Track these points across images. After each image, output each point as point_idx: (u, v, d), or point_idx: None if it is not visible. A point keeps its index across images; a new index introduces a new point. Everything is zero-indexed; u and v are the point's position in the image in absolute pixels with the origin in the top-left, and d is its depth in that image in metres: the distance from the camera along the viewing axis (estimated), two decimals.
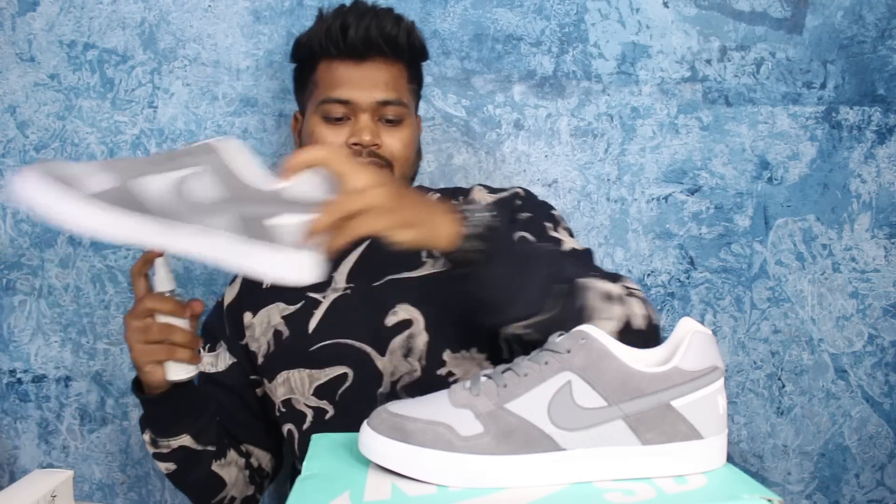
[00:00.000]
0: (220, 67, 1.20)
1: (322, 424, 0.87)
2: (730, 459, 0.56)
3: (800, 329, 1.21)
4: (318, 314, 0.89)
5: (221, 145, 0.60)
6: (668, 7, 1.19)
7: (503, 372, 0.55)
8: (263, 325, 0.92)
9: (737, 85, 1.20)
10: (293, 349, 0.89)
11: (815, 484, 1.23)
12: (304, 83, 0.97)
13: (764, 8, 1.20)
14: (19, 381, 1.21)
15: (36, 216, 0.61)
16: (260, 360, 0.92)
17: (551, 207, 0.97)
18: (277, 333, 0.91)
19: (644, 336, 0.71)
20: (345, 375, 0.86)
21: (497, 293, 0.67)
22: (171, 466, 0.85)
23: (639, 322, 0.71)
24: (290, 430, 0.91)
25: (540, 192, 1.20)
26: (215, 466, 0.86)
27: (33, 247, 1.20)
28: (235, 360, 0.94)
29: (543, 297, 0.67)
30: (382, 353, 0.85)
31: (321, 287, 0.91)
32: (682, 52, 1.20)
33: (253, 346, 0.93)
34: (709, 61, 1.20)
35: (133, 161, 0.60)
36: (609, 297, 0.70)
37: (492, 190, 0.99)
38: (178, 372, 0.77)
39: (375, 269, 0.90)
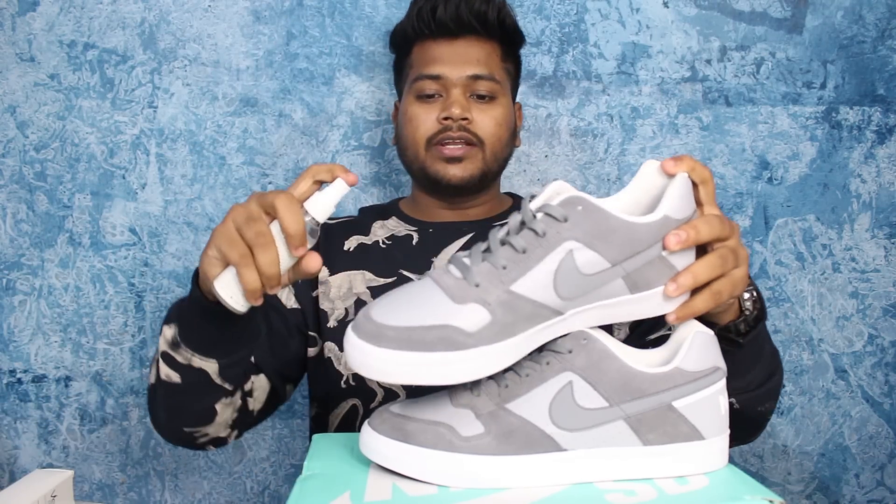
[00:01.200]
0: (220, 67, 1.20)
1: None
2: (730, 459, 0.56)
3: (800, 329, 1.21)
4: None
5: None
6: (668, 7, 1.19)
7: (504, 372, 0.55)
8: (343, 290, 0.88)
9: (737, 85, 1.20)
10: None
11: (815, 484, 1.23)
12: (402, 68, 0.98)
13: (764, 8, 1.20)
14: (19, 381, 1.20)
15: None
16: (332, 323, 0.87)
17: None
18: (361, 303, 0.87)
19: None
20: None
21: (736, 366, 0.65)
22: (175, 378, 0.71)
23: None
24: (354, 406, 0.86)
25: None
26: (219, 403, 0.75)
27: (33, 247, 1.20)
28: (299, 306, 0.89)
29: (766, 372, 0.70)
30: None
31: (418, 268, 0.89)
32: (682, 52, 1.20)
33: (325, 305, 0.88)
34: (709, 61, 1.20)
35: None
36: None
37: None
38: (228, 288, 0.60)
39: None
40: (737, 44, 1.20)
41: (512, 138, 0.96)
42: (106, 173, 1.20)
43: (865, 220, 1.21)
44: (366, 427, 0.55)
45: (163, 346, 0.71)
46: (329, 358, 0.88)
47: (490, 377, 0.55)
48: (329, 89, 1.20)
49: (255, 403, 0.82)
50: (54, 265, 1.20)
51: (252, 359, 0.78)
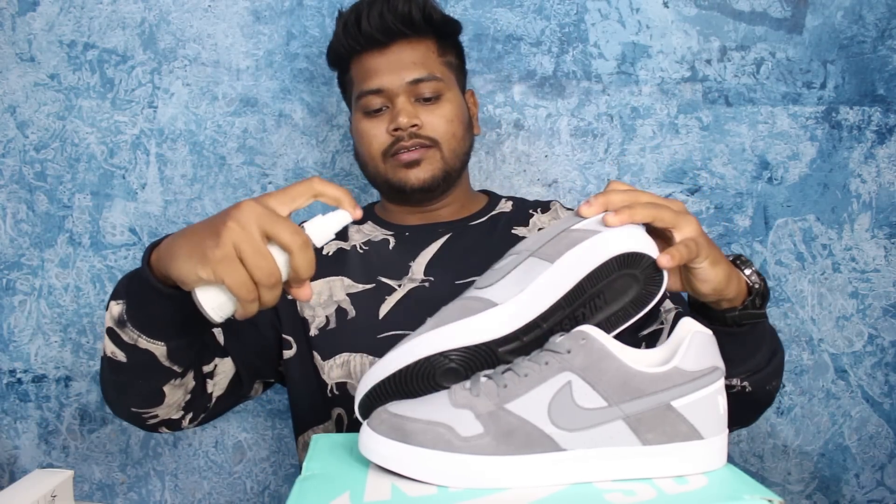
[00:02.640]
0: (220, 67, 1.20)
1: None
2: (730, 459, 0.56)
3: (800, 329, 1.21)
4: (392, 301, 0.86)
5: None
6: (668, 7, 1.19)
7: (503, 372, 0.55)
8: (324, 297, 0.88)
9: (737, 85, 1.20)
10: (359, 333, 0.84)
11: (815, 484, 1.23)
12: (345, 86, 0.97)
13: (764, 8, 1.20)
14: (19, 381, 1.20)
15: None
16: (313, 331, 0.87)
17: None
18: (342, 311, 0.87)
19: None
20: None
21: (745, 349, 0.68)
22: (120, 356, 0.68)
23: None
24: (339, 415, 0.86)
25: (540, 193, 1.20)
26: (166, 386, 0.72)
27: (33, 247, 1.20)
28: (274, 307, 0.87)
29: (770, 350, 0.71)
30: None
31: (396, 273, 0.89)
32: (682, 52, 1.20)
33: (306, 313, 0.88)
34: (709, 61, 1.20)
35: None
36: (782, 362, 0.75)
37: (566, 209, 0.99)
38: (212, 304, 0.56)
39: (459, 265, 0.88)
40: (737, 44, 1.20)
41: (468, 130, 0.95)
42: (106, 173, 1.20)
43: (865, 220, 1.21)
44: (365, 427, 0.55)
45: (108, 322, 0.68)
46: (315, 366, 0.87)
47: (489, 377, 0.55)
48: (329, 89, 1.20)
49: (216, 388, 0.81)
50: (54, 265, 1.20)
51: (220, 339, 0.77)
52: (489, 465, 0.51)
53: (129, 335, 0.67)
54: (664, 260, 0.58)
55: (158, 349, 0.67)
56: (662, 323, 0.85)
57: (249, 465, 1.23)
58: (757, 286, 0.67)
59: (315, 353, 0.87)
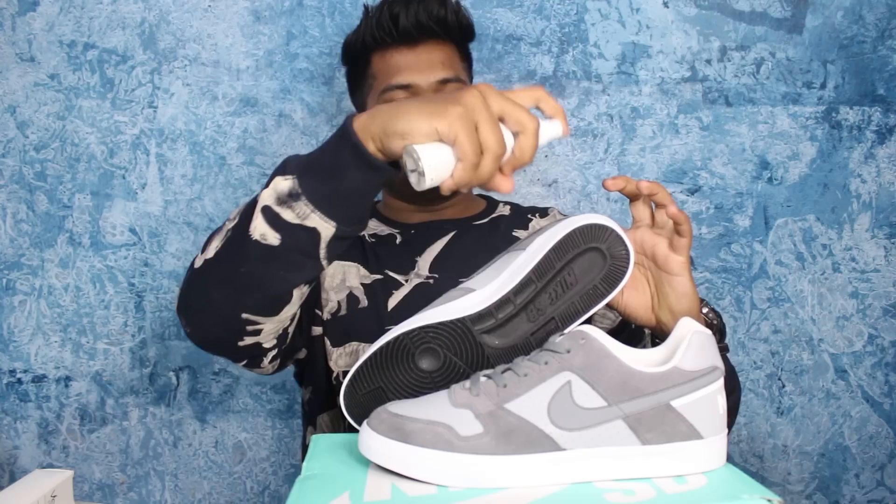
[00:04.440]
0: (220, 67, 1.20)
1: None
2: (729, 459, 0.56)
3: (800, 329, 1.21)
4: (399, 295, 0.87)
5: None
6: (668, 7, 1.19)
7: (503, 372, 0.55)
8: (337, 280, 0.89)
9: (737, 85, 1.20)
10: (369, 323, 0.85)
11: (815, 484, 1.23)
12: (361, 80, 0.97)
13: (764, 8, 1.20)
14: (19, 381, 1.21)
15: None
16: (326, 315, 0.87)
17: None
18: (353, 298, 0.88)
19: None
20: None
21: None
22: (271, 238, 0.62)
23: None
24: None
25: (540, 192, 1.20)
26: (297, 289, 0.67)
27: (33, 247, 1.20)
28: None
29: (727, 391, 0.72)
30: None
31: (402, 268, 0.90)
32: (682, 52, 1.20)
33: (321, 296, 0.88)
34: (709, 61, 1.20)
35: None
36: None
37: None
38: (436, 169, 0.57)
39: (463, 263, 0.89)
40: (737, 44, 1.20)
41: None
42: (106, 173, 1.20)
43: (865, 220, 1.21)
44: (364, 427, 0.55)
45: (267, 200, 0.62)
46: (325, 350, 0.88)
47: (489, 377, 0.55)
48: (329, 89, 1.20)
49: (289, 338, 0.78)
50: (54, 265, 1.20)
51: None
52: (489, 464, 0.51)
53: (299, 210, 0.61)
54: (612, 183, 0.62)
55: (327, 230, 0.62)
56: (648, 334, 0.85)
57: (249, 465, 1.23)
58: (714, 322, 0.68)
59: (326, 339, 0.87)
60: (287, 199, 0.61)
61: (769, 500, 0.47)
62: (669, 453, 0.53)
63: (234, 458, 1.23)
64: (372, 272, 0.90)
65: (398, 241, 0.94)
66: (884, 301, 1.21)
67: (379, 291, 0.88)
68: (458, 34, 0.95)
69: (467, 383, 0.55)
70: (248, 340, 0.70)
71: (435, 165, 0.57)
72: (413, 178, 0.58)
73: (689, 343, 0.54)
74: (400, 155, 0.59)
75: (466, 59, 0.99)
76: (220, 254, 0.65)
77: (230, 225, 0.66)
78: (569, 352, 0.53)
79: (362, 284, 0.89)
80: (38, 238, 1.20)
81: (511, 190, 0.61)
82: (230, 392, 1.21)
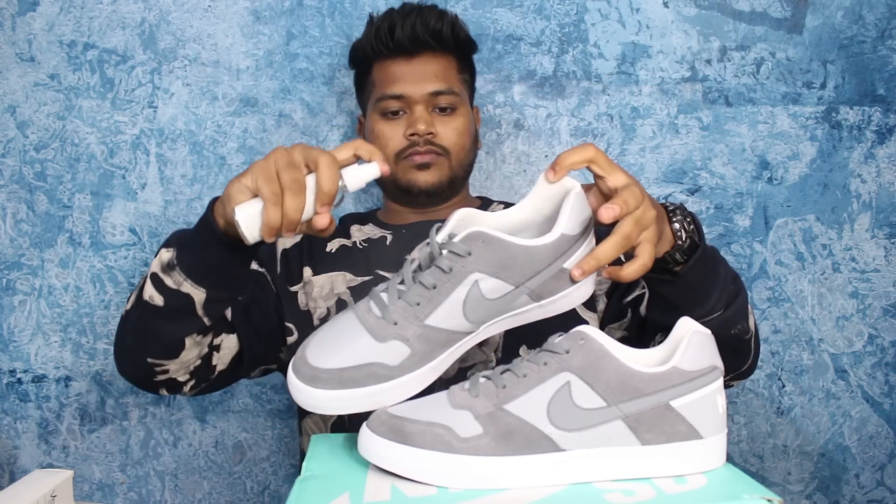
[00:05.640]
0: (220, 67, 1.20)
1: None
2: (730, 459, 0.56)
3: (800, 329, 1.21)
4: None
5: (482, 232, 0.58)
6: (668, 7, 1.19)
7: (502, 373, 0.55)
8: (325, 290, 0.92)
9: (737, 85, 1.20)
10: None
11: (815, 484, 1.23)
12: (363, 85, 1.02)
13: (764, 8, 1.20)
14: (19, 381, 1.21)
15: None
16: (316, 321, 0.91)
17: None
18: (342, 303, 0.90)
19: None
20: None
21: (691, 294, 0.69)
22: (157, 300, 0.73)
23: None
24: None
25: None
26: (188, 338, 0.76)
27: (33, 247, 1.20)
28: (277, 294, 0.93)
29: (727, 295, 0.71)
30: None
31: (393, 267, 0.92)
32: (682, 52, 1.20)
33: (308, 304, 0.92)
34: (709, 61, 1.20)
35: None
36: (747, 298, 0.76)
37: None
38: (250, 218, 0.63)
39: None
40: (737, 44, 1.20)
41: (474, 144, 1.01)
42: (106, 173, 1.20)
43: (865, 220, 1.21)
44: (364, 429, 0.55)
45: (155, 269, 0.73)
46: None
47: (488, 378, 0.55)
48: (329, 89, 1.20)
49: (219, 362, 0.85)
50: (54, 265, 1.20)
51: (228, 315, 0.82)
52: (488, 465, 0.51)
53: (175, 278, 0.72)
54: (576, 274, 0.59)
55: (199, 295, 0.72)
56: (643, 288, 0.86)
57: (249, 465, 1.23)
58: (680, 242, 0.67)
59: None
60: (167, 268, 0.72)
61: (769, 500, 0.47)
62: (669, 453, 0.53)
63: (234, 458, 1.23)
64: (361, 276, 0.92)
65: (388, 241, 0.96)
66: (884, 301, 1.21)
67: (368, 291, 0.89)
68: (453, 47, 0.98)
69: (466, 384, 0.56)
70: (162, 377, 0.80)
71: (246, 216, 0.63)
72: (243, 237, 0.64)
73: (689, 343, 0.54)
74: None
75: (467, 71, 1.02)
76: (129, 309, 0.77)
77: (139, 285, 0.76)
78: (568, 352, 0.53)
79: (349, 288, 0.91)
80: (38, 238, 1.20)
81: (326, 225, 0.64)
82: (230, 392, 1.21)
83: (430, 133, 0.94)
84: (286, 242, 0.98)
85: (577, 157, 0.61)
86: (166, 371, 0.79)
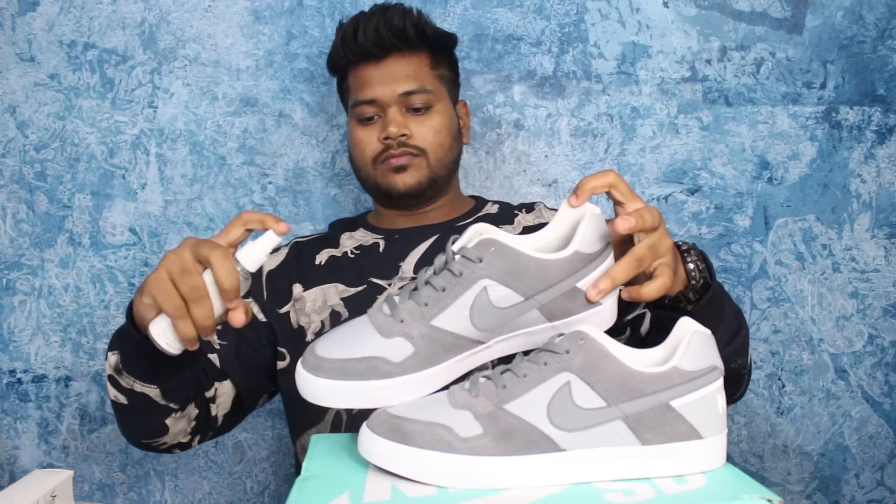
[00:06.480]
0: (220, 67, 1.20)
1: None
2: (730, 459, 0.56)
3: (800, 329, 1.21)
4: (382, 300, 0.88)
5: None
6: (668, 7, 1.19)
7: (502, 373, 0.55)
8: (318, 303, 0.91)
9: (737, 85, 1.20)
10: None
11: (815, 484, 1.23)
12: (343, 93, 1.02)
13: (764, 8, 1.20)
14: (19, 381, 1.21)
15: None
16: (310, 336, 0.90)
17: None
18: (335, 315, 0.90)
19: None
20: None
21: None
22: (122, 399, 0.75)
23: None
24: (338, 413, 0.88)
25: (540, 192, 1.20)
26: (168, 419, 0.78)
27: (33, 247, 1.20)
28: (266, 320, 0.93)
29: (731, 330, 0.72)
30: None
31: (386, 274, 0.92)
32: (682, 52, 1.20)
33: (301, 321, 0.91)
34: (709, 61, 1.20)
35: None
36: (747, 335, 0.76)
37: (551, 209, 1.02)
38: (163, 336, 0.62)
39: None
40: (737, 44, 1.20)
41: (456, 140, 0.99)
42: (106, 173, 1.20)
43: (865, 220, 1.21)
44: (364, 429, 0.55)
45: (108, 370, 0.74)
46: None
47: (488, 377, 0.55)
48: (329, 89, 1.20)
49: (220, 409, 0.85)
50: (54, 265, 1.20)
51: (217, 362, 0.82)
52: (488, 465, 0.51)
53: (126, 381, 0.73)
54: (592, 294, 0.58)
55: (152, 391, 0.73)
56: (644, 307, 0.87)
57: (249, 465, 1.23)
58: (694, 281, 0.68)
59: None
60: (116, 371, 0.73)
61: (769, 500, 0.47)
62: (669, 453, 0.53)
63: (234, 458, 1.23)
64: (353, 286, 0.91)
65: (381, 247, 0.96)
66: (884, 301, 1.21)
67: (363, 300, 0.89)
68: (422, 44, 0.95)
69: (466, 384, 0.56)
70: (163, 447, 0.82)
71: (161, 333, 0.62)
72: (167, 353, 0.63)
73: (689, 343, 0.54)
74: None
75: (444, 66, 0.99)
76: (112, 404, 0.78)
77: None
78: (568, 352, 0.53)
79: (342, 300, 0.91)
80: (38, 238, 1.20)
81: (243, 320, 0.62)
82: None
83: (404, 135, 0.92)
84: (270, 264, 0.97)
85: (599, 182, 0.61)
86: (165, 443, 0.81)
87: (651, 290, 0.60)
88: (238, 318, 0.62)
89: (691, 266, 0.68)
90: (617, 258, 0.61)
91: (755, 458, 1.23)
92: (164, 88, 1.19)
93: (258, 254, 0.62)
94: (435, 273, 0.59)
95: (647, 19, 1.19)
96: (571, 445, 0.52)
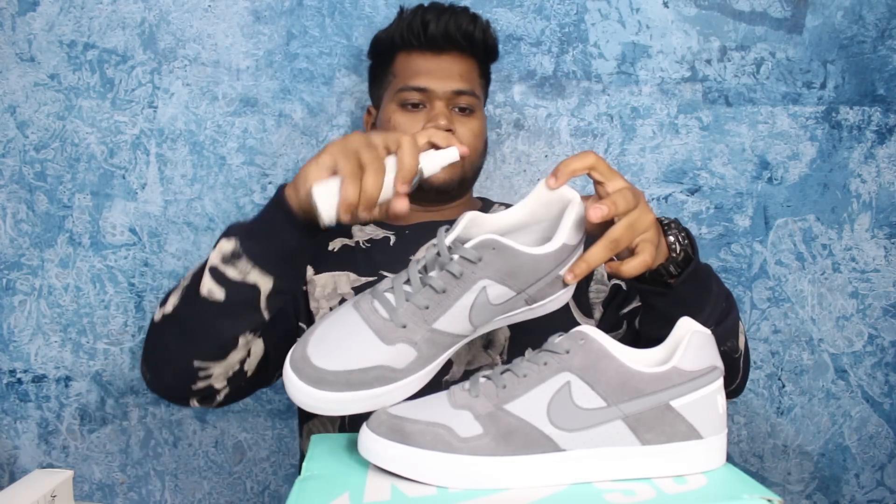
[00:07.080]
0: (220, 67, 1.20)
1: None
2: (730, 459, 0.56)
3: (800, 329, 1.21)
4: None
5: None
6: (668, 7, 1.19)
7: (502, 373, 0.55)
8: (328, 290, 0.91)
9: (737, 85, 1.20)
10: None
11: (815, 484, 1.23)
12: (382, 76, 1.02)
13: (764, 8, 1.20)
14: (19, 381, 1.21)
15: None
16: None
17: None
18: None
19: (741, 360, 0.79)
20: None
21: (683, 308, 0.69)
22: (217, 295, 0.70)
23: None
24: None
25: None
26: (242, 337, 0.73)
27: (33, 247, 1.20)
28: (295, 297, 0.92)
29: (719, 311, 0.72)
30: None
31: (397, 268, 0.91)
32: (682, 52, 1.20)
33: (311, 305, 0.92)
34: (709, 61, 1.20)
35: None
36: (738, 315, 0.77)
37: None
38: (325, 197, 0.62)
39: None
40: (737, 44, 1.20)
41: (485, 148, 1.02)
42: (106, 173, 1.20)
43: (865, 220, 1.21)
44: (364, 429, 0.55)
45: (214, 261, 0.70)
46: None
47: (488, 378, 0.55)
48: (329, 89, 1.20)
49: (249, 367, 0.83)
50: (54, 265, 1.20)
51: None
52: (488, 465, 0.51)
53: (241, 268, 0.69)
54: (569, 277, 0.60)
55: (266, 284, 0.70)
56: (640, 300, 0.86)
57: (249, 465, 1.23)
58: (675, 254, 0.68)
59: None
60: (231, 258, 0.69)
61: (769, 500, 0.47)
62: (669, 453, 0.53)
63: (234, 458, 1.23)
64: (364, 275, 0.91)
65: (392, 242, 0.96)
66: (884, 301, 1.21)
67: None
68: (481, 52, 0.99)
69: (467, 384, 0.56)
70: (201, 384, 0.77)
71: (325, 194, 0.63)
72: (320, 217, 0.64)
73: (689, 343, 0.54)
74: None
75: (485, 77, 1.03)
76: (177, 309, 0.73)
77: (185, 283, 0.73)
78: (568, 352, 0.53)
79: (353, 288, 0.91)
80: (38, 238, 1.20)
81: (405, 209, 0.65)
82: None
83: (450, 130, 0.93)
84: None
85: (579, 164, 0.62)
86: (209, 376, 0.76)
87: (631, 266, 0.61)
88: (402, 205, 0.64)
89: (671, 238, 0.68)
90: (597, 238, 0.62)
91: (755, 458, 1.23)
92: (164, 88, 1.19)
93: (437, 161, 0.67)
94: (427, 269, 0.59)
95: (647, 19, 1.19)
96: (571, 445, 0.52)
